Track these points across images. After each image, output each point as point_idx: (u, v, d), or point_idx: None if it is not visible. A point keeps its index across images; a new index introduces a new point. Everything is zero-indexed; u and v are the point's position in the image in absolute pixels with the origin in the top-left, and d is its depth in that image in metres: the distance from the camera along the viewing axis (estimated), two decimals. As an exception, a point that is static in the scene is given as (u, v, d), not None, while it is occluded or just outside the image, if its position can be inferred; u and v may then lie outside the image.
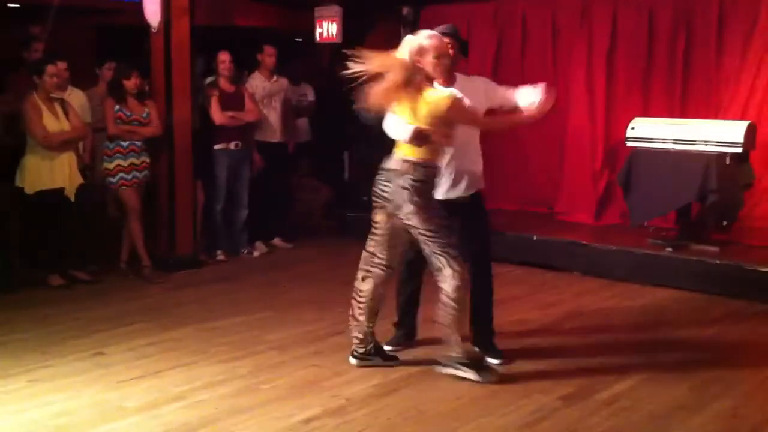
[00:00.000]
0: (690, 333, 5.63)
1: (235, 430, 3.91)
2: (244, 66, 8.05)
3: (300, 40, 10.35)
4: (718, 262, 6.63)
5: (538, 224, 8.09)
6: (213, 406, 4.18)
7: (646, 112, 7.89)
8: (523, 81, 4.95)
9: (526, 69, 8.71)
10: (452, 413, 4.12)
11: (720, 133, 6.90)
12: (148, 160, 7.00)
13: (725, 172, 6.86)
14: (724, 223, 7.18)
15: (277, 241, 8.28)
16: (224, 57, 7.57)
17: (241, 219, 7.80)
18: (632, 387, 4.50)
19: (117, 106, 6.83)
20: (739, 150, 6.83)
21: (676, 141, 7.06)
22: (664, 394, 4.36)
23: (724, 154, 6.86)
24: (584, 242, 7.33)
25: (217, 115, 7.44)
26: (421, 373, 4.71)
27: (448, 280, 4.43)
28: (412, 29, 9.86)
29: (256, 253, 7.91)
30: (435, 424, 4.00)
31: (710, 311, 6.14)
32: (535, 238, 7.56)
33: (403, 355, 5.00)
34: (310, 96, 9.13)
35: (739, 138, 6.80)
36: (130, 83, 6.88)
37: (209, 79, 7.65)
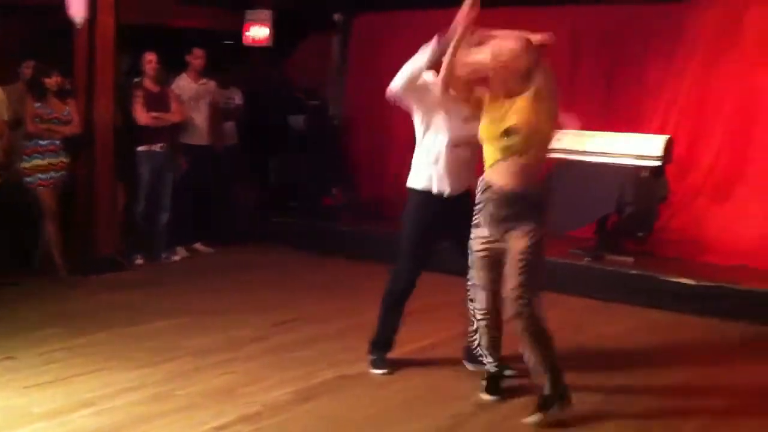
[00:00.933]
0: (604, 342, 5.74)
1: (146, 438, 3.85)
2: (174, 67, 7.96)
3: (231, 42, 10.26)
4: (633, 272, 6.79)
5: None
6: (124, 413, 4.09)
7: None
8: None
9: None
10: (368, 420, 4.11)
11: (639, 147, 7.06)
12: (66, 160, 6.84)
13: (642, 185, 7.04)
14: (640, 234, 7.35)
15: (198, 245, 8.19)
16: (151, 57, 7.47)
17: (163, 222, 7.69)
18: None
19: (37, 104, 6.68)
20: (657, 163, 7.01)
21: (596, 153, 7.19)
22: (579, 398, 4.36)
23: (642, 167, 7.03)
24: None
25: (141, 115, 7.33)
26: (339, 379, 4.70)
27: None
28: (344, 36, 9.96)
29: (176, 258, 7.80)
30: (350, 430, 3.99)
31: (625, 321, 6.27)
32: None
33: (323, 363, 4.98)
34: (238, 99, 9.04)
35: (658, 152, 6.97)
36: (51, 81, 6.73)
37: (136, 80, 7.54)
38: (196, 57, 7.96)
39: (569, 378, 4.21)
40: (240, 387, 4.51)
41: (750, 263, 7.11)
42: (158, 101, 7.47)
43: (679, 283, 6.56)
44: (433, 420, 4.14)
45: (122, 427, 3.93)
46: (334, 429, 4.02)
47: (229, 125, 8.92)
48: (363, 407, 4.29)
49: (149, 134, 7.42)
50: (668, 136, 7.14)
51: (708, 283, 6.48)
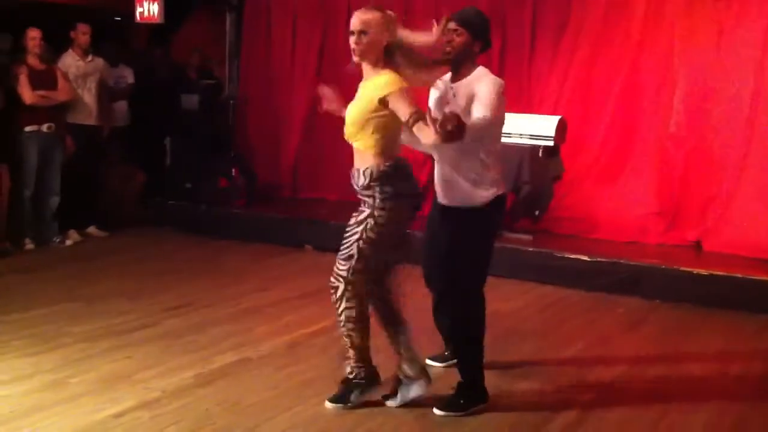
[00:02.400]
0: (500, 318, 5.82)
1: (40, 427, 3.69)
2: (57, 45, 7.64)
3: (119, 19, 9.92)
4: (531, 249, 6.94)
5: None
6: (14, 403, 3.93)
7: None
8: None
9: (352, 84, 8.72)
10: (268, 403, 4.06)
11: (533, 127, 7.21)
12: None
13: (538, 164, 7.19)
14: (536, 213, 7.52)
15: (92, 229, 7.93)
16: (34, 33, 7.16)
17: (52, 206, 7.41)
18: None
19: None
20: (551, 143, 7.17)
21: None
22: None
23: (537, 147, 7.18)
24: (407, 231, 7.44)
25: (27, 94, 7.03)
26: (237, 363, 4.63)
27: None
28: (238, 14, 9.77)
29: (68, 242, 7.54)
30: (250, 414, 3.93)
31: (520, 297, 6.40)
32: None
33: (218, 347, 4.90)
34: (130, 78, 8.79)
35: (551, 132, 7.13)
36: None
37: (18, 57, 7.19)
38: (81, 32, 7.66)
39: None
40: (136, 373, 4.40)
41: (639, 239, 7.38)
42: (44, 79, 7.17)
43: (572, 259, 6.73)
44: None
45: (17, 416, 3.78)
46: (234, 412, 3.94)
47: (121, 105, 8.66)
48: (263, 390, 4.23)
49: (35, 114, 7.12)
50: (560, 117, 7.31)
51: (600, 259, 6.67)
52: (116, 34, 9.30)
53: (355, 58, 3.76)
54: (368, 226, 3.74)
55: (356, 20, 3.72)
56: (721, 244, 7.07)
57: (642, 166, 7.55)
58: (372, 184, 3.74)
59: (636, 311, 6.16)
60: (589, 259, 6.68)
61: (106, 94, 8.06)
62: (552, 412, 4.11)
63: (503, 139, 7.02)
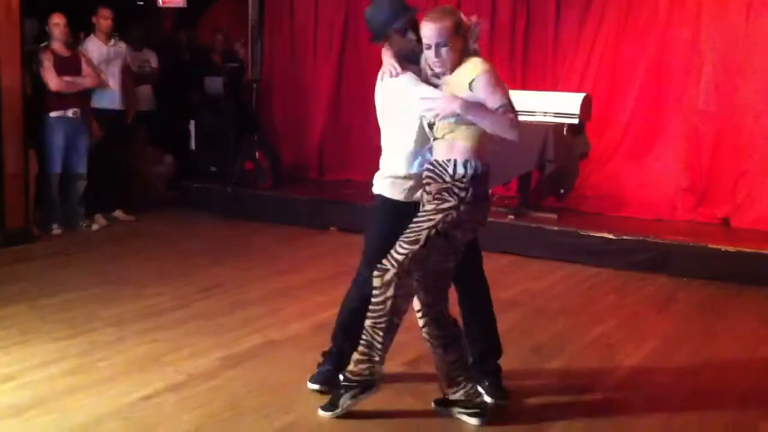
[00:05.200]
0: (529, 297, 5.81)
1: (69, 410, 3.72)
2: (81, 29, 7.67)
3: (142, 3, 9.95)
4: (555, 228, 6.89)
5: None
6: (46, 386, 3.97)
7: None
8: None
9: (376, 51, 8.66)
10: (295, 384, 4.06)
11: (558, 105, 7.14)
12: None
13: (562, 142, 7.12)
14: (561, 191, 7.46)
15: (118, 213, 7.98)
16: (58, 20, 7.18)
17: (79, 191, 7.46)
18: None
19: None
20: (576, 121, 7.10)
21: (517, 112, 7.20)
22: (508, 353, 4.26)
23: (562, 124, 7.11)
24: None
25: (53, 81, 7.06)
26: (265, 344, 4.65)
27: None
28: (260, -3, 9.75)
29: (95, 227, 7.58)
30: (277, 395, 3.94)
31: (549, 276, 6.37)
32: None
33: (248, 329, 4.92)
34: (153, 62, 8.80)
35: (576, 109, 7.06)
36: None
37: (43, 44, 7.23)
38: (103, 17, 7.67)
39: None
40: (164, 356, 4.42)
41: (667, 217, 7.31)
42: (69, 65, 7.20)
43: (599, 237, 6.68)
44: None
45: (45, 400, 3.81)
46: (262, 394, 3.96)
47: (145, 89, 8.69)
48: (290, 371, 4.24)
49: (61, 100, 7.15)
50: (585, 94, 7.23)
51: (627, 237, 6.61)
52: (140, 18, 9.31)
53: (440, 70, 3.55)
54: (449, 218, 3.47)
55: (431, 32, 3.46)
56: (749, 221, 7.00)
57: (670, 143, 7.47)
58: (471, 176, 3.47)
59: (665, 289, 6.12)
60: (615, 238, 6.62)
61: (130, 78, 8.08)
62: (579, 394, 4.08)
63: (527, 117, 7.13)
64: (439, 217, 3.47)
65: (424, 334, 3.69)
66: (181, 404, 3.81)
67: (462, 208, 3.48)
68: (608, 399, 4.05)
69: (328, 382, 3.98)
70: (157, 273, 6.15)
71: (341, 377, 3.76)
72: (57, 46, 7.17)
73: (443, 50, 3.47)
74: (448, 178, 3.50)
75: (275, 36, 9.68)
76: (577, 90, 7.53)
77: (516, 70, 8.14)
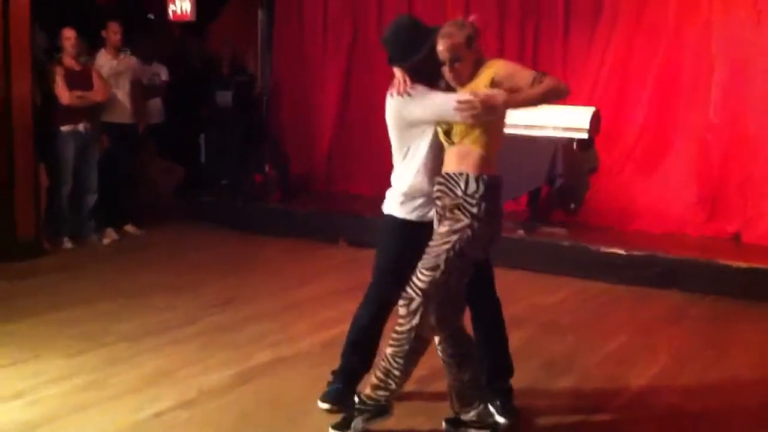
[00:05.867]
0: (539, 312, 5.80)
1: (80, 427, 3.73)
2: (91, 43, 7.70)
3: (152, 17, 9.99)
4: (565, 243, 6.88)
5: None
6: (58, 403, 3.98)
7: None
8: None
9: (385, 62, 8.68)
10: (305, 401, 4.05)
11: (567, 119, 7.12)
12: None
13: (572, 157, 7.12)
14: (572, 206, 7.45)
15: (129, 227, 7.98)
16: (69, 33, 7.20)
17: (89, 204, 7.48)
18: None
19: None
20: (585, 135, 7.09)
21: (526, 126, 7.20)
22: (518, 371, 4.21)
23: (572, 139, 7.11)
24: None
25: (64, 95, 7.08)
26: (276, 360, 4.66)
27: None
28: (269, 10, 9.79)
29: (106, 240, 7.59)
30: (288, 412, 3.95)
31: (558, 291, 6.35)
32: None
33: (259, 344, 4.92)
34: (164, 75, 8.83)
35: (585, 124, 7.05)
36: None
37: (57, 55, 7.26)
38: (112, 32, 7.70)
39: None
40: (176, 371, 4.43)
41: (677, 231, 7.29)
42: (80, 80, 7.22)
43: (609, 252, 6.67)
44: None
45: (57, 417, 3.82)
46: (274, 410, 3.97)
47: (155, 102, 8.71)
48: (301, 388, 4.24)
49: (71, 113, 7.17)
50: (595, 108, 7.22)
51: (638, 253, 6.60)
52: (150, 31, 9.35)
53: (455, 84, 3.55)
54: (465, 237, 3.45)
55: (443, 49, 3.48)
56: (759, 235, 6.97)
57: (679, 156, 7.45)
58: (483, 192, 3.47)
59: (676, 305, 6.10)
60: (625, 253, 6.61)
61: (140, 92, 8.12)
62: (588, 414, 4.07)
63: (536, 132, 7.13)
64: (455, 238, 3.46)
65: (439, 352, 3.69)
66: (192, 421, 3.82)
67: (476, 225, 3.46)
68: (617, 421, 4.04)
69: (339, 400, 3.96)
70: (168, 287, 6.15)
71: (356, 398, 3.73)
72: (68, 60, 7.20)
73: (457, 65, 3.50)
74: (459, 193, 3.49)
75: (284, 47, 9.70)
76: (587, 103, 7.51)
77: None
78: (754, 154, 7.10)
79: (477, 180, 3.48)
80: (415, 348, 3.55)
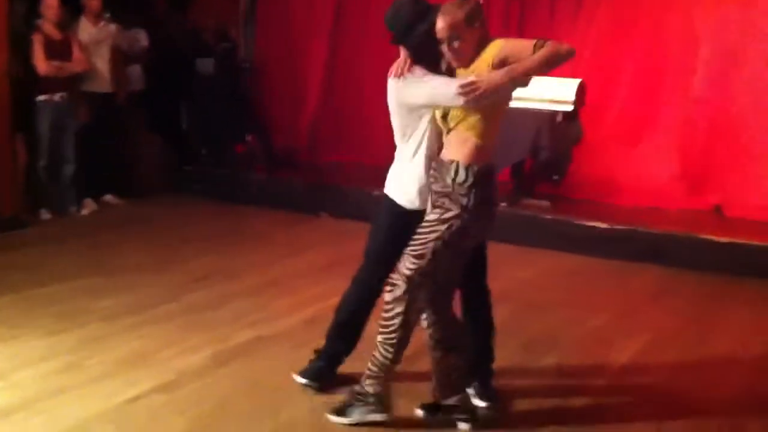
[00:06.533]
0: (521, 288, 5.78)
1: (55, 413, 3.68)
2: (73, 10, 7.54)
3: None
4: (549, 217, 6.86)
5: (378, 178, 8.05)
6: (35, 386, 3.91)
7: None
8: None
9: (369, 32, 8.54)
10: (286, 384, 4.02)
11: (552, 91, 7.05)
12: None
13: (556, 129, 7.07)
14: (555, 177, 7.42)
15: (108, 197, 7.90)
16: (52, 2, 7.04)
17: (68, 175, 7.37)
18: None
19: None
20: (570, 108, 7.04)
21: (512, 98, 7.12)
22: (499, 350, 4.17)
23: (556, 111, 7.05)
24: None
25: (42, 65, 6.95)
26: (256, 340, 4.62)
27: None
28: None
29: (85, 211, 7.51)
30: (267, 395, 3.92)
31: (539, 264, 6.34)
32: (375, 193, 7.51)
33: (239, 323, 4.86)
34: (144, 41, 8.64)
35: (570, 96, 6.99)
36: None
37: (37, 21, 7.09)
38: (93, -2, 7.55)
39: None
40: (153, 353, 4.38)
41: (659, 204, 7.28)
42: (59, 49, 7.08)
43: (592, 226, 6.65)
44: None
45: (32, 401, 3.76)
46: (252, 395, 3.93)
47: (136, 69, 8.56)
48: (280, 370, 4.18)
49: (49, 83, 7.04)
50: (580, 80, 7.15)
51: (620, 227, 6.58)
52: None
53: (456, 64, 3.43)
54: (453, 227, 3.39)
55: (442, 27, 3.35)
56: (742, 209, 6.99)
57: (663, 130, 7.46)
58: (471, 182, 3.39)
59: (658, 280, 6.12)
60: (608, 227, 6.60)
61: (120, 59, 7.97)
62: (570, 396, 4.06)
63: (521, 104, 7.04)
64: (443, 228, 3.40)
65: (427, 337, 3.64)
66: (170, 406, 3.78)
67: (465, 216, 3.39)
68: (600, 402, 4.02)
69: (317, 378, 3.97)
70: (148, 261, 6.09)
71: (357, 388, 3.68)
72: (49, 28, 7.05)
73: (455, 43, 3.37)
74: (449, 181, 3.42)
75: (267, 15, 9.56)
76: (572, 75, 7.44)
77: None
78: (737, 128, 7.08)
79: (467, 169, 3.39)
80: (403, 336, 3.52)
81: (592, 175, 7.57)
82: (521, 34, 7.82)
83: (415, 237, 3.46)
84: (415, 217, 3.62)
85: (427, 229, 3.44)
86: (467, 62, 3.43)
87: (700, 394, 4.17)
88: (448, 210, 3.42)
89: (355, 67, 8.59)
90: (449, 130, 3.48)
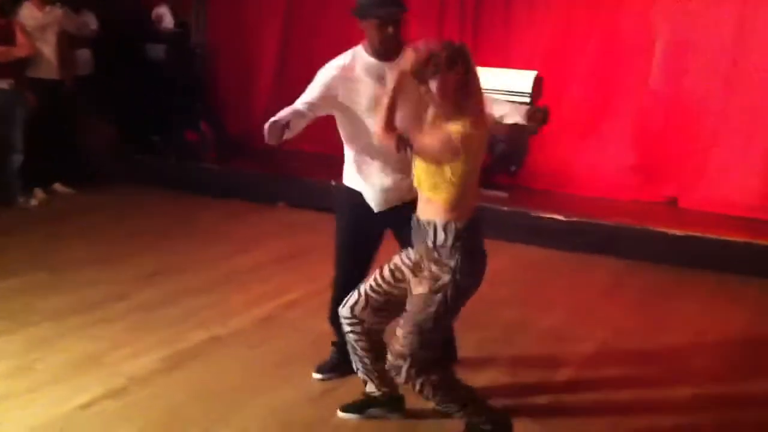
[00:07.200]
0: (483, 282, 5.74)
1: (1, 420, 3.56)
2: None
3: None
4: (506, 209, 6.84)
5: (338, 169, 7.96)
6: (-22, 392, 3.81)
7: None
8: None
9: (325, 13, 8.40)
10: (240, 388, 3.96)
11: (509, 83, 7.04)
12: None
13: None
14: (512, 168, 7.41)
15: (58, 186, 7.71)
16: (-8, -13, 6.82)
17: (15, 165, 7.17)
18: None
19: None
20: (528, 99, 7.00)
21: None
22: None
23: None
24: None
25: (-17, 51, 6.74)
26: (208, 341, 4.51)
27: None
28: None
29: (33, 202, 7.32)
30: (223, 401, 3.83)
31: (496, 257, 6.29)
32: (333, 183, 7.43)
33: (191, 322, 4.76)
34: (93, 24, 8.42)
35: (527, 88, 6.98)
36: None
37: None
38: (39, -18, 7.32)
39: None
40: (104, 355, 4.26)
41: (615, 195, 7.32)
42: (3, 34, 6.86)
43: (548, 218, 6.66)
44: (306, 388, 4.00)
45: (-26, 410, 3.65)
46: (206, 399, 3.84)
47: (84, 53, 8.33)
48: (234, 373, 4.13)
49: (-7, 70, 6.84)
50: (536, 73, 7.14)
51: (577, 219, 6.59)
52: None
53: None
54: (449, 294, 3.17)
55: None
56: (696, 201, 7.04)
57: (619, 121, 7.48)
58: (452, 243, 3.15)
59: (613, 273, 6.13)
60: (564, 219, 6.60)
61: (67, 44, 7.75)
62: (527, 396, 4.04)
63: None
64: (438, 298, 3.18)
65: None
66: (120, 413, 3.68)
67: (458, 277, 3.17)
68: (557, 401, 4.01)
69: (333, 369, 4.07)
70: (101, 255, 5.94)
71: (371, 388, 3.68)
72: (-11, 13, 6.83)
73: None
74: (430, 244, 3.18)
75: (220, 2, 9.36)
76: (528, 67, 7.43)
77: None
78: (693, 120, 7.12)
79: (445, 229, 3.15)
80: (450, 387, 3.36)
81: (549, 165, 7.57)
82: (477, 24, 7.78)
83: (409, 315, 3.25)
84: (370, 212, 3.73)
85: (421, 306, 3.22)
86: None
87: (657, 391, 4.18)
88: (437, 279, 3.19)
89: (310, 51, 8.46)
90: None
